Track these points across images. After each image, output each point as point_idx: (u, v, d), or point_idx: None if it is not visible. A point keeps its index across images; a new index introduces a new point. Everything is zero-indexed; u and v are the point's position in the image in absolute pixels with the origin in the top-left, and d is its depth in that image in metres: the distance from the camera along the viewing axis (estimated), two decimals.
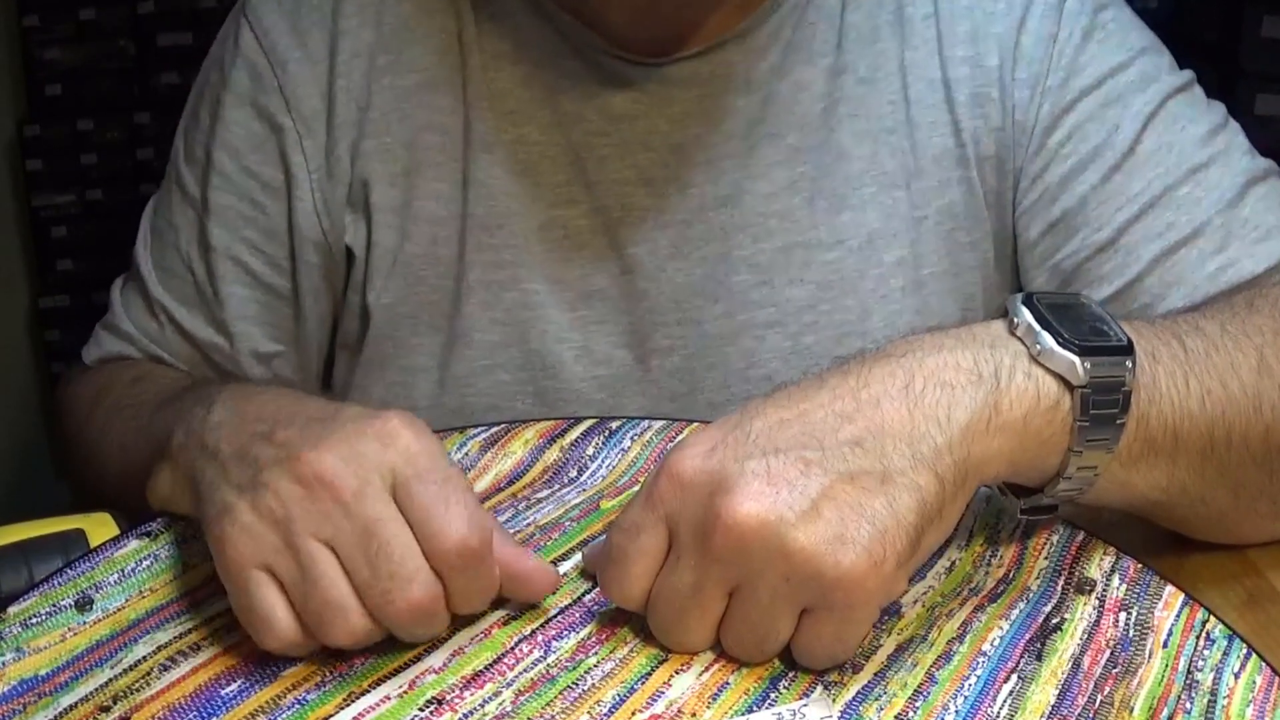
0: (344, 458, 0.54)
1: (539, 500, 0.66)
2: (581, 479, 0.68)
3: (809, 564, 0.51)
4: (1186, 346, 0.61)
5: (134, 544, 0.62)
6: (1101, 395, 0.56)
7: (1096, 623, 0.57)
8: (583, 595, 0.59)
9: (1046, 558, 0.61)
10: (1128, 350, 0.57)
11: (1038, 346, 0.56)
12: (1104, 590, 0.59)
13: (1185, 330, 0.62)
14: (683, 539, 0.54)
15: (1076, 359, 0.55)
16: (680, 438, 0.70)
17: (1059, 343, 0.56)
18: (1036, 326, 0.56)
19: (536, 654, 0.55)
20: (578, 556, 0.61)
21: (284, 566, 0.53)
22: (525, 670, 0.54)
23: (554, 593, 0.58)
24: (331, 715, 0.52)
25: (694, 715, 0.52)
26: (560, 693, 0.53)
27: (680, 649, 0.55)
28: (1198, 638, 0.56)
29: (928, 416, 0.54)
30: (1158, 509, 0.63)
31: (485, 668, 0.54)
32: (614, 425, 0.71)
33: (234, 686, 0.53)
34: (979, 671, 0.54)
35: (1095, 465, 0.57)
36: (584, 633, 0.57)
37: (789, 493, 0.52)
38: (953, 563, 0.61)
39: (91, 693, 0.53)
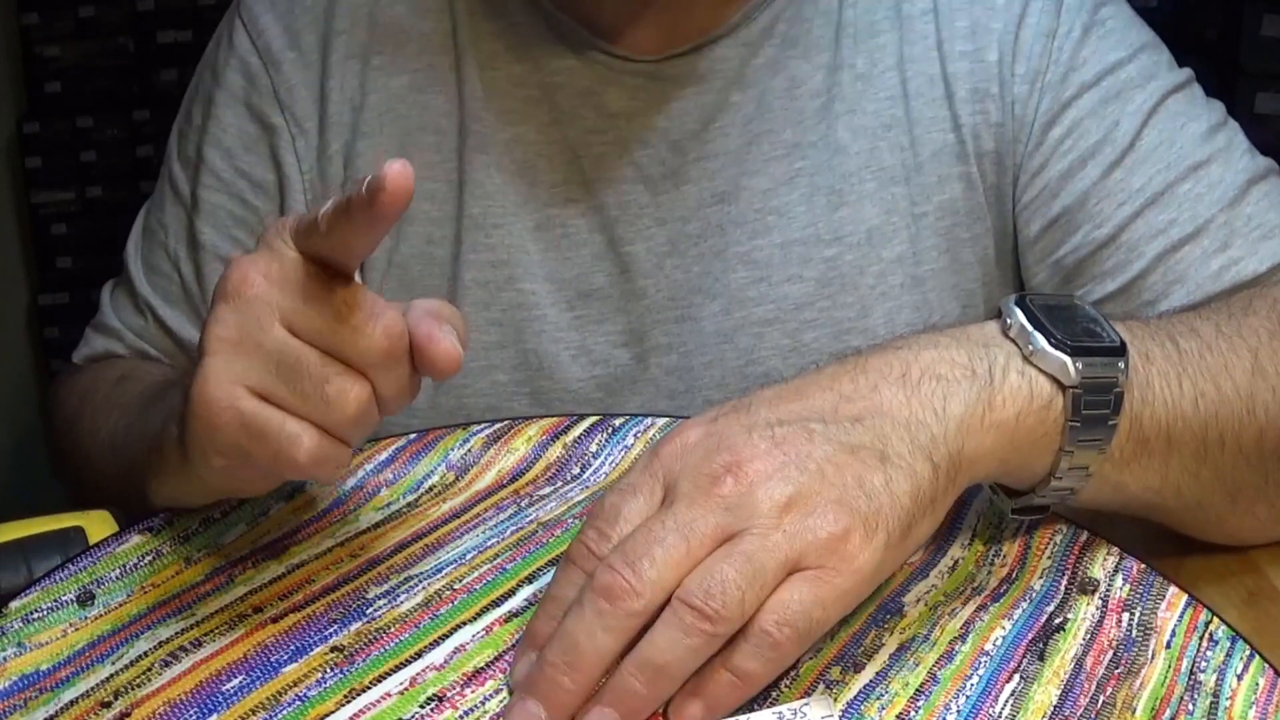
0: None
1: (542, 497, 0.66)
2: (585, 476, 0.68)
3: (810, 518, 0.51)
4: (1180, 347, 0.61)
5: (136, 539, 0.62)
6: (1093, 395, 0.56)
7: (1099, 623, 0.57)
8: None
9: (1050, 557, 0.61)
10: (1120, 351, 0.57)
11: (1030, 347, 0.56)
12: (1107, 590, 0.59)
13: (1180, 331, 0.62)
14: (683, 489, 0.52)
15: (1068, 359, 0.56)
16: None
17: (1051, 343, 0.56)
18: (1029, 327, 0.57)
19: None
20: None
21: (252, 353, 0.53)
22: None
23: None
24: (332, 712, 0.52)
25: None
26: None
27: (628, 583, 0.49)
28: (1201, 639, 0.56)
29: (924, 405, 0.55)
30: (1155, 512, 0.63)
31: (486, 665, 0.54)
32: (617, 422, 0.71)
33: (235, 683, 0.53)
34: (981, 671, 0.54)
35: (1087, 466, 0.57)
36: None
37: (795, 453, 0.52)
38: (956, 561, 0.61)
39: (92, 688, 0.53)
